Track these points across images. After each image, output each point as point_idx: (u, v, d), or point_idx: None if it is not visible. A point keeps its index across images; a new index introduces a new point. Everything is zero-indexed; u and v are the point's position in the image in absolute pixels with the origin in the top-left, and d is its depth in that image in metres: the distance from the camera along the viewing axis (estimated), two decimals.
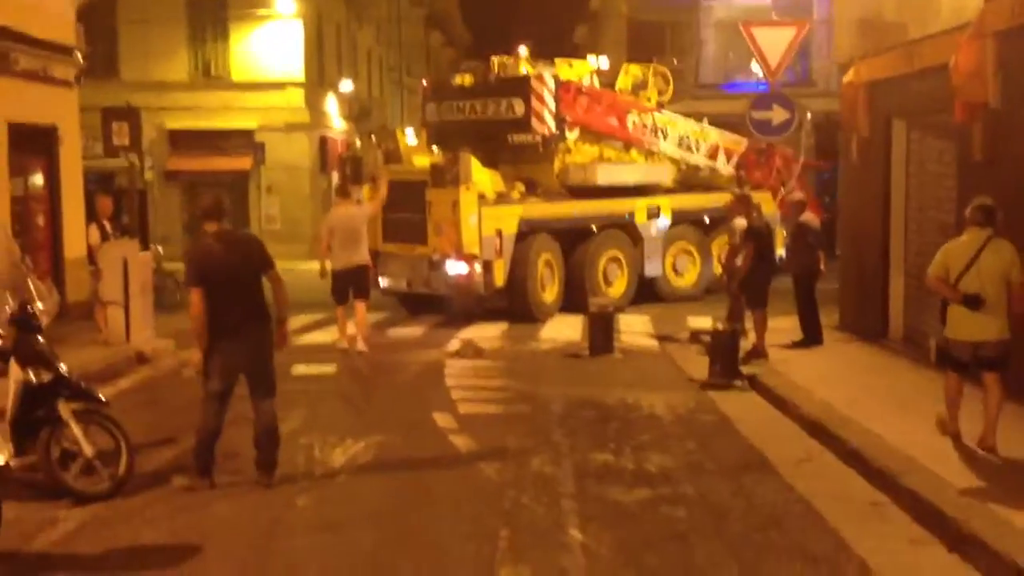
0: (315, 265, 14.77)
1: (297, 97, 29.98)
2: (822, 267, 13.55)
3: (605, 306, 14.10)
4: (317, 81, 31.50)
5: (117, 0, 27.40)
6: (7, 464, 6.76)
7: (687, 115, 27.19)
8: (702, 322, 15.04)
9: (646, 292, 18.35)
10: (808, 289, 13.45)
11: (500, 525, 6.75)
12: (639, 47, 37.96)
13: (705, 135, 19.65)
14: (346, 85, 34.45)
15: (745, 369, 11.79)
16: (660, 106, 19.30)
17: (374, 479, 7.96)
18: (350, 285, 13.87)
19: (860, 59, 13.77)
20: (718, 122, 21.05)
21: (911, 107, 12.81)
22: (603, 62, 19.95)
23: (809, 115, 18.52)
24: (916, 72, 11.97)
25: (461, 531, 6.67)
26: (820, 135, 24.98)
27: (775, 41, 15.03)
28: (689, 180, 19.64)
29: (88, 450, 7.23)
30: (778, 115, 15.15)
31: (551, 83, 16.93)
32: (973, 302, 7.93)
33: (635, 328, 15.92)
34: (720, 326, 11.99)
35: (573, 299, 16.95)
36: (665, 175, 18.94)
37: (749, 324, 12.96)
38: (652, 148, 18.82)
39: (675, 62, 32.91)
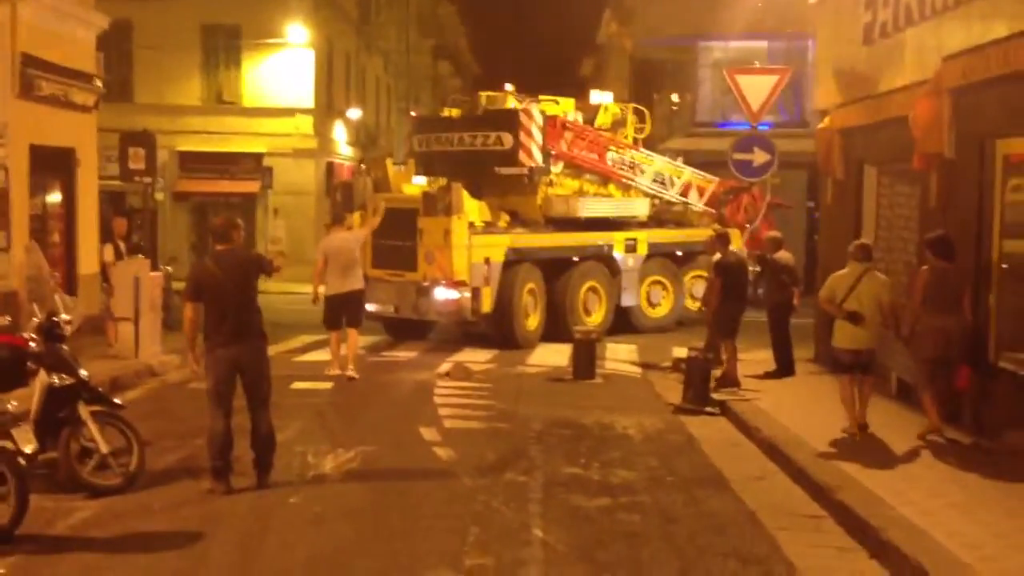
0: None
1: (306, 124, 30.90)
2: (796, 303, 14.31)
3: (589, 332, 14.87)
4: (326, 108, 32.43)
5: (133, 27, 28.24)
6: (33, 454, 7.55)
7: (685, 151, 28.13)
8: (686, 352, 15.76)
9: (621, 322, 19.06)
10: (782, 323, 14.21)
11: (470, 524, 7.53)
12: (641, 83, 38.98)
13: (678, 173, 20.45)
14: (354, 113, 35.40)
15: (717, 396, 12.55)
16: (637, 143, 20.15)
17: (360, 483, 8.74)
18: (343, 311, 14.18)
19: (835, 107, 14.62)
20: (712, 159, 21.83)
21: (880, 154, 13.64)
22: (607, 97, 20.73)
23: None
24: (883, 122, 12.81)
25: (434, 527, 7.47)
26: (812, 173, 25.85)
27: (758, 87, 15.90)
28: (662, 215, 20.45)
29: (104, 448, 8.04)
30: (759, 157, 16.02)
31: (539, 118, 17.60)
32: (854, 318, 10.23)
33: (620, 356, 16.68)
34: (694, 354, 12.72)
35: (554, 328, 17.63)
36: (641, 209, 19.73)
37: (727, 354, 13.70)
38: (629, 183, 19.62)
39: (675, 98, 34.03)
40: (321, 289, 14.31)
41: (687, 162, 23.91)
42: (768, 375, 13.92)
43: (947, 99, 10.76)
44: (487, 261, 16.61)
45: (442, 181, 17.95)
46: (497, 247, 16.90)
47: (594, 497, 8.35)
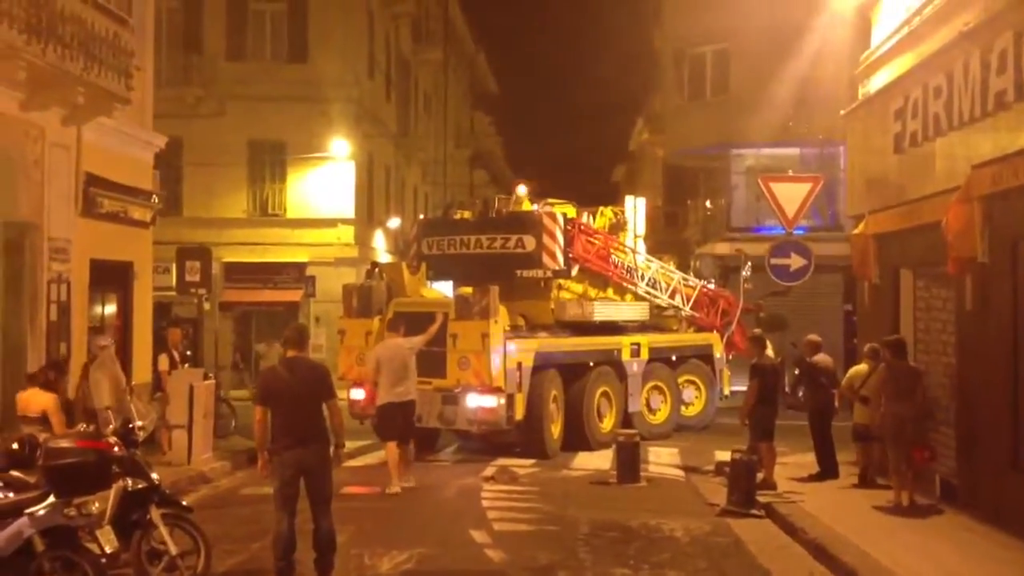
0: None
1: (347, 233, 31.66)
2: (836, 405, 14.50)
3: (631, 436, 15.03)
4: (366, 218, 33.25)
5: (183, 144, 29.24)
6: (113, 554, 7.88)
7: (721, 256, 28.59)
8: (728, 455, 15.88)
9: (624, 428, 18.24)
10: (823, 425, 14.39)
11: None
12: (674, 189, 39.76)
13: (669, 278, 20.34)
14: (394, 222, 36.21)
15: (761, 498, 12.67)
16: (632, 247, 19.99)
17: None
18: (398, 419, 13.82)
19: (869, 213, 15.00)
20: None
21: (914, 259, 13.96)
22: (640, 204, 21.14)
23: (749, 264, 19.91)
24: (917, 228, 13.15)
25: None
26: (848, 277, 26.18)
27: (792, 194, 16.30)
28: (652, 320, 20.36)
29: (173, 549, 8.38)
30: (796, 261, 16.35)
31: (560, 220, 17.57)
32: (865, 401, 13.43)
33: (663, 459, 16.82)
34: (738, 456, 12.88)
35: (572, 435, 17.25)
36: (643, 314, 19.75)
37: None
38: (628, 287, 19.52)
39: (708, 205, 34.64)
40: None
41: (724, 266, 24.39)
42: (812, 477, 14.04)
43: (978, 206, 11.11)
44: (519, 366, 16.15)
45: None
46: (527, 352, 16.45)
47: None
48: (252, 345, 30.87)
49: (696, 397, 20.57)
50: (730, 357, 21.13)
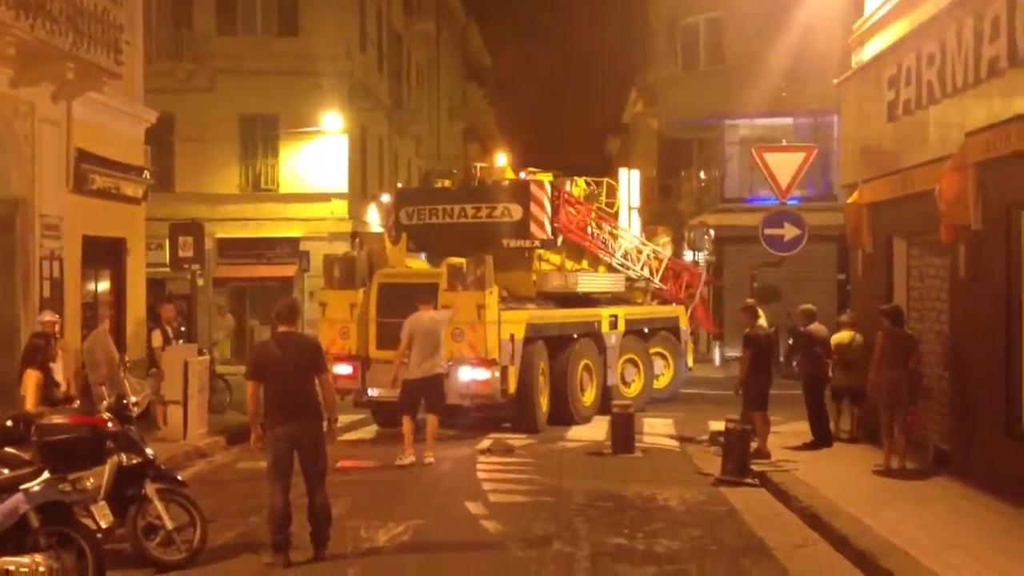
0: None
1: (341, 208, 31.56)
2: (830, 374, 14.54)
3: (627, 407, 15.06)
4: (360, 192, 33.14)
5: (175, 119, 29.10)
6: (109, 529, 7.91)
7: (715, 227, 28.57)
8: (723, 425, 15.92)
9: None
10: (817, 395, 14.43)
11: None
12: (668, 160, 39.69)
13: (639, 250, 20.17)
14: (386, 196, 36.08)
15: (755, 467, 12.72)
16: (607, 217, 19.79)
17: (413, 555, 9.02)
18: (422, 395, 13.73)
19: (862, 182, 14.97)
20: (743, 233, 22.26)
21: (908, 227, 13.94)
22: (634, 176, 21.05)
23: (712, 233, 19.94)
24: (911, 196, 13.12)
25: None
26: (842, 246, 26.21)
27: (785, 164, 16.24)
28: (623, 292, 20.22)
29: (169, 524, 8.41)
30: (789, 231, 16.28)
31: (548, 189, 17.29)
32: (849, 366, 14.22)
33: (657, 430, 16.86)
34: (732, 425, 12.91)
35: (557, 408, 16.97)
36: (620, 286, 19.65)
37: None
38: (604, 258, 19.34)
39: (702, 176, 34.60)
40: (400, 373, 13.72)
41: (719, 236, 24.41)
42: (806, 446, 14.08)
43: (972, 173, 11.09)
44: (512, 338, 15.80)
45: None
46: (519, 323, 16.10)
47: (640, 566, 8.59)
48: (247, 320, 30.88)
49: (664, 369, 20.52)
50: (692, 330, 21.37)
